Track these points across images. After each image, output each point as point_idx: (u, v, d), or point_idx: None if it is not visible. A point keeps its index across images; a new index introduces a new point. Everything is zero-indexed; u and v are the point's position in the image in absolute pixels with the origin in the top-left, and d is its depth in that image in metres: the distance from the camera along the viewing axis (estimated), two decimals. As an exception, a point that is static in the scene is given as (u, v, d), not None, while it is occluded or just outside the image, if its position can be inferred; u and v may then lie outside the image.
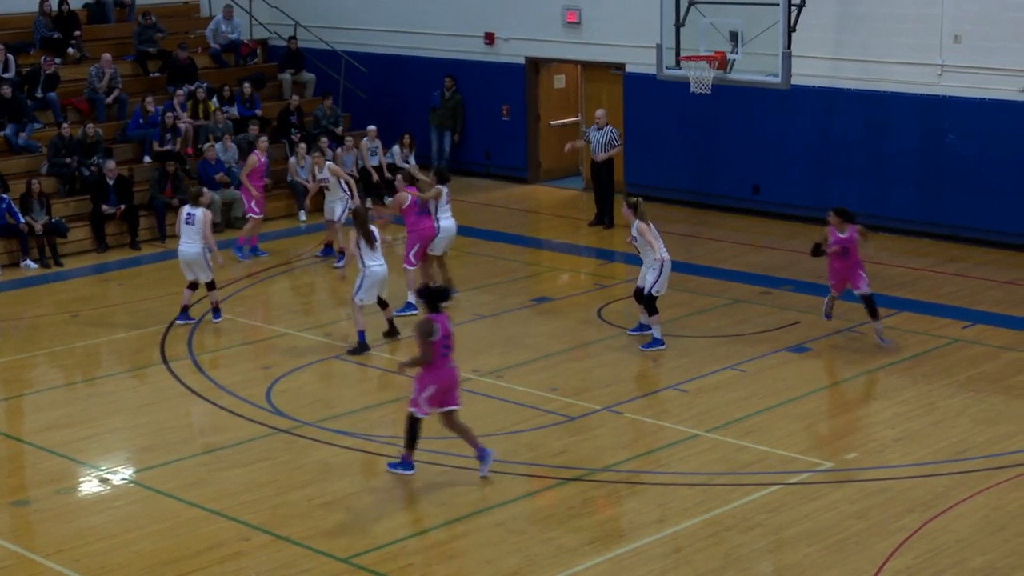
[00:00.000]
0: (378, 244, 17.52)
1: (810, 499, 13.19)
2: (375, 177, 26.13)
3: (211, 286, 18.82)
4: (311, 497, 13.52)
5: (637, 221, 17.31)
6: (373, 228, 17.58)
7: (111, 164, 23.46)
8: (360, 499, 13.48)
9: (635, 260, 22.00)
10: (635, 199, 17.56)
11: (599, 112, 24.48)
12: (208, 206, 18.97)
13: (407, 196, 19.04)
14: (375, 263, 17.45)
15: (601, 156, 24.08)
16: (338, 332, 18.53)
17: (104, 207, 23.11)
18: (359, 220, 17.59)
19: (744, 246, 22.83)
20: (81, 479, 14.29)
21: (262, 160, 22.77)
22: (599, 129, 24.14)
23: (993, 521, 12.69)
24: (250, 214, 22.59)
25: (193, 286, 18.78)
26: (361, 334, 17.59)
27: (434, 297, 13.70)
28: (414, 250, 19.13)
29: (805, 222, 23.46)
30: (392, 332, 17.99)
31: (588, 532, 12.70)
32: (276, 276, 21.85)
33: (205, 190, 19.57)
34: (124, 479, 14.21)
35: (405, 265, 19.17)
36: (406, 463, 13.89)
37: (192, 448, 14.83)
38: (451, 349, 13.65)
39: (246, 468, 14.12)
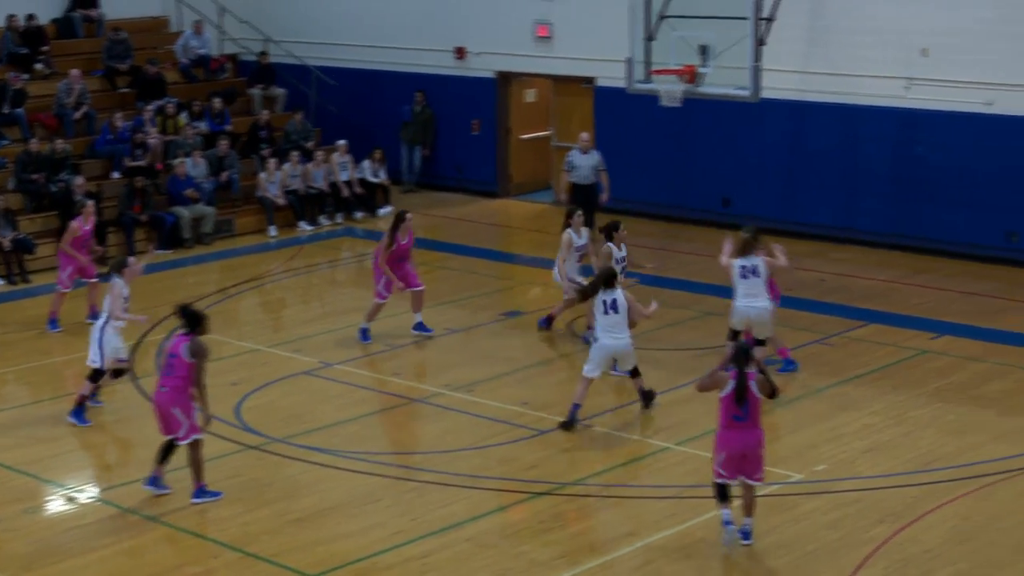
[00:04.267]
0: (621, 312, 15.44)
1: (781, 510, 13.20)
2: (344, 192, 26.11)
3: None
4: (281, 513, 13.46)
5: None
6: (618, 295, 15.57)
7: (79, 180, 23.34)
8: (330, 515, 13.42)
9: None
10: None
11: (583, 135, 23.99)
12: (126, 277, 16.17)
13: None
14: (609, 335, 15.49)
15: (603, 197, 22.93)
16: (307, 348, 18.46)
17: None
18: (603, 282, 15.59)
19: (715, 259, 22.77)
20: (48, 498, 14.19)
21: (84, 228, 19.80)
22: (584, 153, 23.75)
23: (961, 531, 12.73)
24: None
25: None
26: (574, 407, 15.52)
27: (191, 319, 13.60)
28: (382, 283, 18.53)
29: (775, 235, 23.48)
30: (646, 400, 16.00)
31: (559, 546, 12.68)
32: (246, 292, 21.78)
33: (131, 259, 16.70)
34: (91, 497, 14.12)
35: (376, 299, 18.67)
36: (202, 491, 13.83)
37: (161, 465, 14.73)
38: (166, 369, 13.71)
39: (215, 485, 13.97)
